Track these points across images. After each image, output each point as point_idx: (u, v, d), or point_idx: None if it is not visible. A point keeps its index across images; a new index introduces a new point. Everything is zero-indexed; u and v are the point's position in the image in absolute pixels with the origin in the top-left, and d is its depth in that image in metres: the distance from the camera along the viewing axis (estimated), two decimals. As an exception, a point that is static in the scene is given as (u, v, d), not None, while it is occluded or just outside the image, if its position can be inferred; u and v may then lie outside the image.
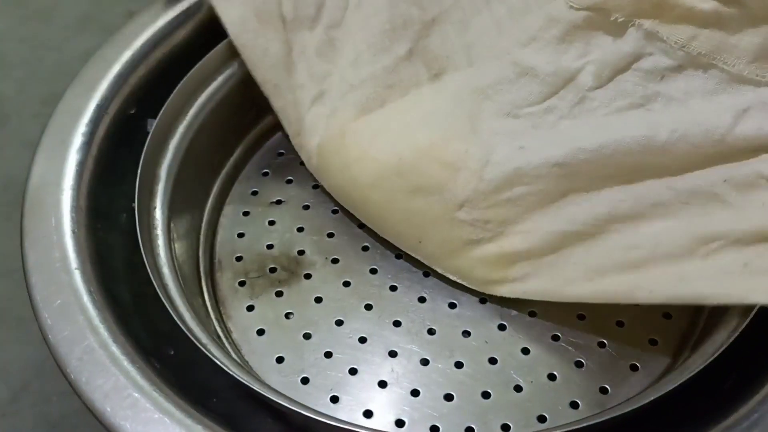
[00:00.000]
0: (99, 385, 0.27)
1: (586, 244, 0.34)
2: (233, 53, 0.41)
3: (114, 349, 0.28)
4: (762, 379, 0.29)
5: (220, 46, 0.41)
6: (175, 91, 0.39)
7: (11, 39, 0.55)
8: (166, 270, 0.34)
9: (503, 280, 0.36)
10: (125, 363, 0.28)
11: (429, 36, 0.40)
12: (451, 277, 0.37)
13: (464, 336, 0.37)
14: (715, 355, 0.29)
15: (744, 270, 0.30)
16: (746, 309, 0.31)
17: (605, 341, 0.36)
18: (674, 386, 0.29)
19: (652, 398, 0.29)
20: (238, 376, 0.29)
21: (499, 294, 0.36)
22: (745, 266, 0.30)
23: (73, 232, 0.32)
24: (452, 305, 0.38)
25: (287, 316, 0.38)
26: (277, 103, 0.40)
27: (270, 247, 0.40)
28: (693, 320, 0.36)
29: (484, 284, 0.37)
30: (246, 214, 0.42)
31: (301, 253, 0.40)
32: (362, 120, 0.38)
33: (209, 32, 0.41)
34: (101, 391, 0.27)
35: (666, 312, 0.37)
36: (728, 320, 0.32)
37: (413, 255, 0.38)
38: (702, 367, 0.29)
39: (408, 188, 0.36)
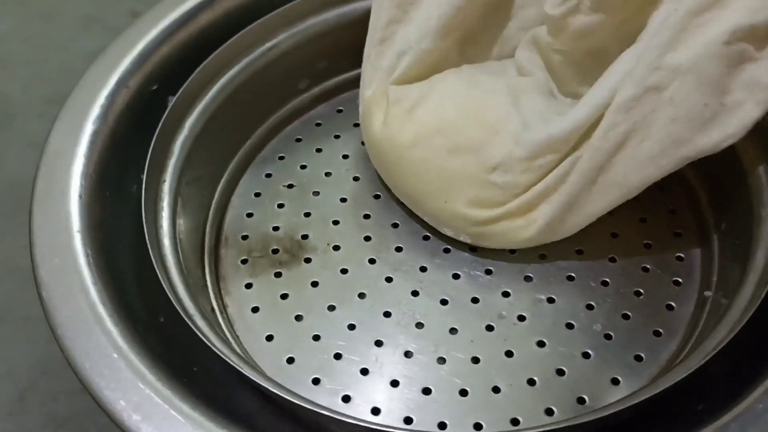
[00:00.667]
0: (81, 344, 0.29)
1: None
2: (257, 39, 0.43)
3: (100, 310, 0.30)
4: (730, 405, 0.28)
5: (246, 31, 0.42)
6: (197, 70, 0.40)
7: (15, 39, 0.56)
8: (166, 241, 0.36)
9: (522, 238, 0.37)
10: (108, 324, 0.29)
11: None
12: (465, 239, 0.39)
13: (451, 333, 0.37)
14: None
15: None
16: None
17: (590, 352, 0.36)
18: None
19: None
20: (217, 348, 0.30)
21: (518, 246, 0.38)
22: None
23: (80, 197, 0.34)
24: (444, 302, 0.38)
25: (283, 297, 0.39)
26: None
27: (276, 228, 0.42)
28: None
29: (502, 244, 0.38)
30: (257, 195, 0.43)
31: (305, 237, 0.41)
32: (411, 85, 0.39)
33: (235, 17, 0.43)
34: (83, 350, 0.28)
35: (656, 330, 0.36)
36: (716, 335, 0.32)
37: (431, 218, 0.39)
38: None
39: (447, 147, 0.37)
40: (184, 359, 0.32)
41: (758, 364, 0.29)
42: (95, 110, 0.37)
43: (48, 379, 0.47)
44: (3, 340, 0.48)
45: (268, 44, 0.44)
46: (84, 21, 0.56)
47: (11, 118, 0.55)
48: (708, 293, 0.36)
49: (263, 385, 0.30)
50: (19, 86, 0.55)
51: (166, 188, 0.38)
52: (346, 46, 0.46)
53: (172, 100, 0.39)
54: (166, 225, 0.37)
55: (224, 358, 0.30)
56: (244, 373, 0.30)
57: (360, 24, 0.45)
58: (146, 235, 0.34)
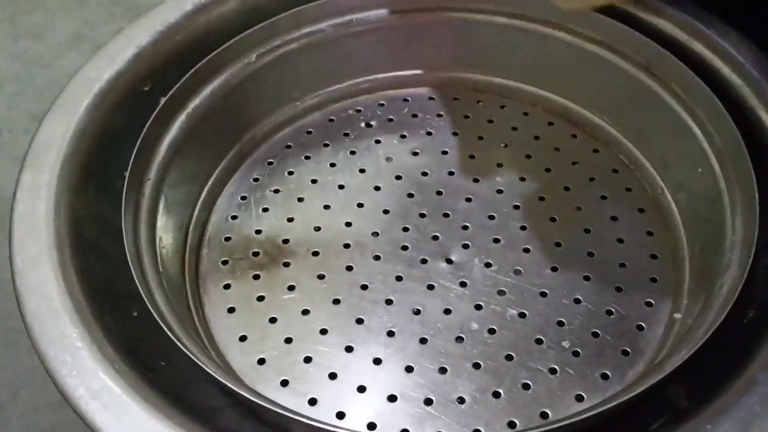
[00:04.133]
0: (47, 331, 0.29)
1: None
2: (252, 45, 0.44)
3: (68, 299, 0.30)
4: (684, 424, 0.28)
5: (241, 37, 0.43)
6: (189, 73, 0.41)
7: (4, 56, 0.56)
8: (145, 239, 0.36)
9: None
10: (75, 314, 0.30)
11: None
12: None
13: (421, 342, 0.37)
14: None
15: None
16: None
17: (557, 368, 0.36)
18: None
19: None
20: (183, 345, 0.31)
21: None
22: None
23: (64, 189, 0.35)
24: (417, 311, 0.38)
25: (259, 299, 0.39)
26: None
27: (258, 232, 0.42)
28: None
29: None
30: (243, 198, 0.44)
31: (286, 242, 0.42)
32: None
33: (233, 22, 0.44)
34: (48, 337, 0.29)
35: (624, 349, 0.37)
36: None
37: None
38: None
39: None
40: (152, 353, 0.33)
41: (713, 384, 0.29)
42: (85, 106, 0.38)
43: (29, 391, 0.47)
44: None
45: (262, 50, 0.44)
46: (72, 39, 0.57)
47: (-3, 133, 0.55)
48: (677, 315, 0.37)
49: (225, 383, 0.30)
50: (5, 102, 0.56)
51: (150, 186, 0.39)
52: (341, 57, 0.47)
53: (163, 101, 0.40)
54: (146, 222, 0.37)
55: (189, 354, 0.31)
56: (207, 370, 0.30)
57: (355, 36, 0.47)
58: (123, 230, 0.34)
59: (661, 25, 0.41)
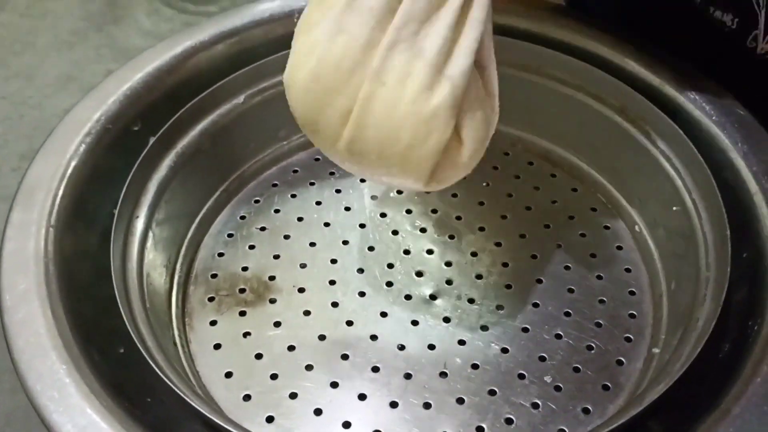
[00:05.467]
0: (35, 367, 0.30)
1: None
2: (238, 86, 0.45)
3: (56, 336, 0.31)
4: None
5: (227, 80, 0.44)
6: (178, 113, 0.42)
7: None
8: (132, 275, 0.37)
9: None
10: (63, 350, 0.30)
11: None
12: None
13: (406, 378, 0.38)
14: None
15: None
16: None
17: (539, 402, 0.37)
18: None
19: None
20: (169, 380, 0.31)
21: None
22: None
23: (52, 227, 0.35)
24: (401, 347, 0.39)
25: (245, 335, 0.40)
26: None
27: (245, 269, 0.43)
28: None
29: None
30: (230, 236, 0.45)
31: (272, 278, 0.42)
32: None
33: (221, 64, 0.45)
34: (36, 372, 0.29)
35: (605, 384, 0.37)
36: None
37: None
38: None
39: None
40: (139, 390, 0.33)
41: (690, 417, 0.30)
42: (77, 144, 0.39)
43: (12, 429, 0.47)
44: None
45: (250, 92, 0.45)
46: (62, 80, 0.58)
47: (-14, 173, 0.55)
48: (656, 350, 0.37)
49: (211, 418, 0.31)
50: (-5, 142, 0.56)
51: (139, 224, 0.39)
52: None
53: (153, 140, 0.41)
54: (135, 259, 0.38)
55: (176, 389, 0.31)
56: (194, 405, 0.31)
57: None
58: (112, 267, 0.35)
59: (635, 69, 0.43)
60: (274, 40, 0.46)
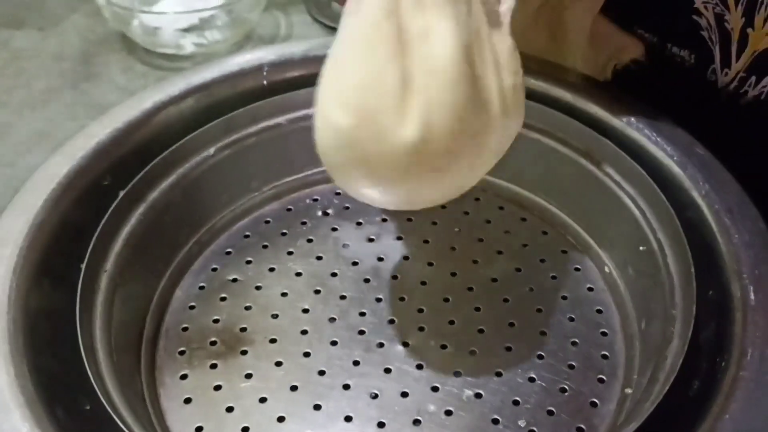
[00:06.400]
0: (-5, 426, 0.29)
1: None
2: (208, 139, 0.45)
3: (19, 393, 0.30)
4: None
5: (197, 133, 0.45)
6: (148, 167, 0.42)
7: None
8: (98, 329, 0.36)
9: None
10: (25, 408, 0.30)
11: None
12: None
13: (379, 426, 0.37)
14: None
15: None
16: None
17: (514, 448, 0.36)
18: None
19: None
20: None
21: None
22: None
23: (18, 282, 0.35)
24: (374, 396, 0.39)
25: (216, 388, 0.39)
26: None
27: (216, 321, 0.42)
28: None
29: None
30: (202, 288, 0.45)
31: (243, 330, 0.42)
32: None
33: (191, 118, 0.45)
34: (-3, 431, 0.29)
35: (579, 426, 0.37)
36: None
37: None
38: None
39: None
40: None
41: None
42: (44, 201, 0.39)
43: None
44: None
45: (220, 144, 0.46)
46: (36, 137, 0.58)
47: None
48: (628, 390, 0.37)
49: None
50: (-37, 201, 0.56)
51: (107, 278, 0.39)
52: (298, 148, 0.48)
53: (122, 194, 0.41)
54: (101, 314, 0.37)
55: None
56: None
57: (311, 129, 0.48)
58: (78, 322, 0.34)
59: (597, 113, 0.44)
60: (245, 93, 0.47)
